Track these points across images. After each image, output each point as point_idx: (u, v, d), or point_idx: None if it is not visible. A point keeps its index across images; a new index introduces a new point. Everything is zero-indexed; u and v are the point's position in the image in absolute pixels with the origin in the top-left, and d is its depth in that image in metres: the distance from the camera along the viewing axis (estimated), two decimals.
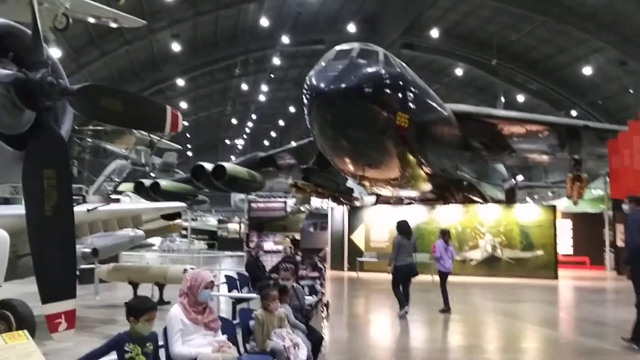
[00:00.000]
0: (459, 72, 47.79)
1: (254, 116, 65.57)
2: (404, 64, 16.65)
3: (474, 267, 20.73)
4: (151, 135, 40.34)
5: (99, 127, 39.84)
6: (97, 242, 8.39)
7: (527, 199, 37.51)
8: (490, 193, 25.75)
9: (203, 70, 51.22)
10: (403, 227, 11.42)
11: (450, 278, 19.59)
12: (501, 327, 10.87)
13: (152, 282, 11.82)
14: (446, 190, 22.38)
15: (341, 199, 28.02)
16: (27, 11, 4.69)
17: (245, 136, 72.84)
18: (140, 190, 26.95)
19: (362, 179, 18.04)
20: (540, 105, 46.95)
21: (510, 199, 26.57)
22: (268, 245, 37.36)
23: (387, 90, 14.96)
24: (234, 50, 49.00)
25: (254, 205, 39.89)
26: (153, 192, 27.05)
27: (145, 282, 11.99)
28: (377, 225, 22.07)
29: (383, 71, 14.95)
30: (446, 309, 11.38)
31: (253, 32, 46.26)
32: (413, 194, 22.41)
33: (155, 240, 42.21)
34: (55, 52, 35.63)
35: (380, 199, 24.74)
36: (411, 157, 17.56)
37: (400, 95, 15.45)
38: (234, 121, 69.99)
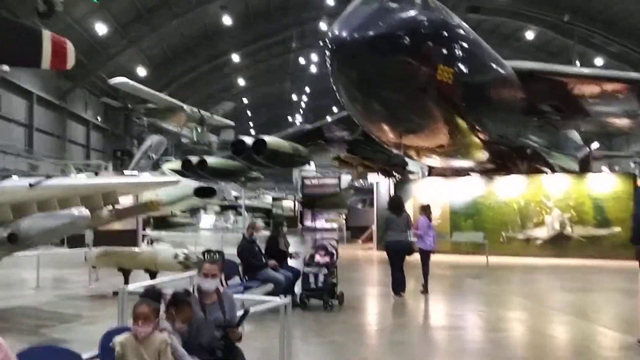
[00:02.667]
0: (529, 35, 44.03)
1: (312, 91, 63.74)
2: (447, 10, 14.10)
3: (538, 247, 18.06)
4: (201, 112, 39.49)
5: (152, 106, 39.45)
6: (23, 225, 6.85)
7: (604, 169, 33.49)
8: (561, 163, 22.62)
9: (257, 44, 49.75)
10: (393, 202, 11.10)
11: (511, 260, 17.67)
12: (565, 334, 8.21)
13: (142, 269, 10.26)
14: (508, 159, 19.64)
15: (394, 172, 25.72)
16: None
17: (301, 111, 71.26)
18: (187, 168, 25.80)
19: (402, 148, 15.67)
20: (620, 68, 42.18)
21: (584, 169, 23.28)
22: (320, 223, 35.67)
23: (424, 39, 12.54)
24: (288, 21, 47.18)
25: (307, 181, 38.18)
26: (200, 170, 25.89)
27: (135, 269, 10.46)
28: (428, 201, 19.62)
29: (419, 16, 12.55)
30: (424, 290, 10.64)
31: (305, 0, 44.24)
32: (468, 164, 19.77)
33: (209, 219, 41.74)
34: (101, 28, 35.08)
35: (433, 171, 22.27)
36: (459, 121, 15.05)
37: (441, 45, 12.99)
38: (295, 97, 68.56)
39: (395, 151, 17.87)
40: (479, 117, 15.85)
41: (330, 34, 12.33)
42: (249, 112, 71.43)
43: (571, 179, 18.97)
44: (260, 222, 13.14)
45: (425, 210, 11.37)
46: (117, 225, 14.48)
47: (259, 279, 8.71)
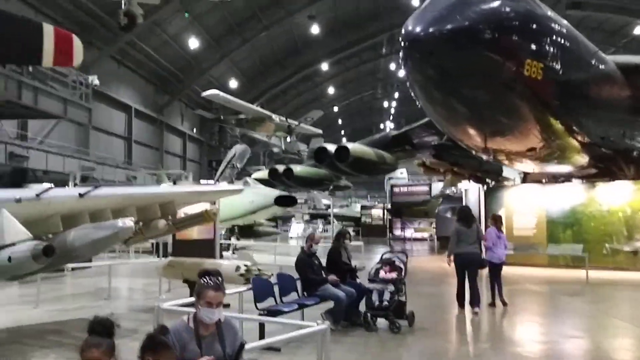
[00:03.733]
0: (638, 31, 40.27)
1: (403, 96, 62.46)
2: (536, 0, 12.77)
3: None
4: (288, 120, 39.64)
5: (241, 117, 40.19)
6: (69, 236, 6.63)
7: None
8: None
9: (347, 52, 49.44)
10: (462, 214, 10.49)
11: (615, 275, 15.76)
12: None
13: None
14: (612, 163, 17.64)
15: (487, 179, 24.19)
16: None
17: (391, 118, 70.05)
18: (274, 177, 25.75)
19: (489, 152, 14.40)
20: None
21: None
22: (408, 232, 34.44)
23: (508, 31, 11.32)
24: (377, 27, 46.48)
25: (396, 189, 37.12)
26: (286, 178, 25.75)
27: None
28: (522, 209, 18.20)
29: (502, 6, 11.37)
30: (493, 302, 10.26)
31: (395, 5, 43.22)
32: (566, 169, 17.97)
33: (298, 228, 41.70)
34: (193, 42, 36.22)
35: (529, 177, 20.56)
36: (551, 121, 13.53)
37: (527, 37, 11.68)
38: (385, 104, 67.60)
39: (484, 156, 16.59)
40: (575, 116, 14.23)
41: (404, 30, 11.44)
42: (339, 121, 71.32)
43: None
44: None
45: (496, 220, 11.08)
46: (195, 234, 14.49)
47: (317, 296, 8.06)
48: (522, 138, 13.85)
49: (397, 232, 36.55)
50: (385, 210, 38.33)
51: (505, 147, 14.60)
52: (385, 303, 8.06)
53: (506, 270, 16.51)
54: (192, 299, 9.15)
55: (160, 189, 9.93)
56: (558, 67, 12.39)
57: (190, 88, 41.92)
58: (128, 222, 6.62)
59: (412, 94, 12.63)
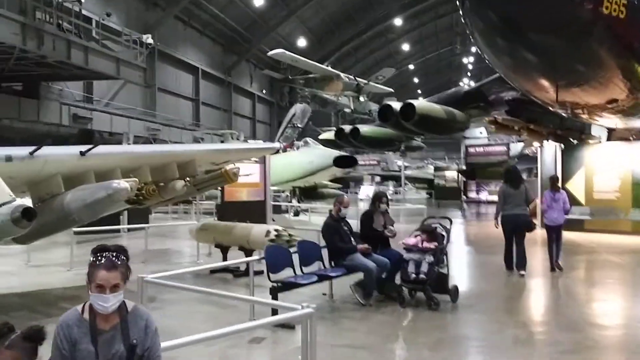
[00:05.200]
0: None
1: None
2: None
3: None
4: (357, 79, 38.31)
5: (310, 75, 39.30)
6: (58, 200, 6.05)
7: None
8: None
9: (422, 5, 46.87)
10: (508, 175, 10.32)
11: None
12: None
13: (237, 246, 9.27)
14: None
15: (570, 139, 22.09)
16: None
17: (470, 75, 66.48)
18: (340, 137, 24.89)
19: (563, 106, 12.74)
20: None
21: None
22: (483, 195, 32.65)
23: None
24: None
25: (471, 150, 35.15)
26: (353, 138, 24.81)
27: (231, 245, 9.52)
28: (604, 170, 16.34)
29: None
30: (552, 267, 9.79)
31: None
32: None
33: (368, 190, 40.72)
34: (258, 1, 35.40)
35: (613, 135, 18.44)
36: (636, 67, 11.69)
37: None
38: (465, 60, 64.28)
39: (561, 111, 14.83)
40: None
41: None
42: (415, 80, 68.73)
43: None
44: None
45: (552, 181, 10.65)
46: (244, 196, 13.92)
47: (345, 266, 7.17)
48: (601, 88, 12.05)
49: (472, 195, 34.82)
50: (459, 172, 36.51)
51: (582, 100, 12.84)
52: (422, 276, 7.04)
53: (583, 237, 15.05)
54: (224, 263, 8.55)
55: (177, 147, 9.27)
56: None
57: (257, 48, 41.33)
58: (123, 182, 5.98)
59: (473, 42, 11.24)
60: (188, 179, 7.91)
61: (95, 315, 2.59)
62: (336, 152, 22.23)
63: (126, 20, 26.03)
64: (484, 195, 32.86)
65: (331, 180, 28.01)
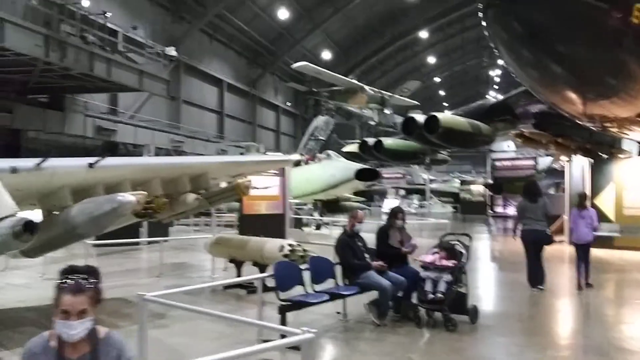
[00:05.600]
0: None
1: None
2: None
3: None
4: (382, 92, 38.08)
5: (334, 87, 39.22)
6: (65, 213, 5.94)
7: None
8: None
9: (448, 17, 46.51)
10: (527, 189, 10.12)
11: None
12: None
13: (251, 261, 9.07)
14: None
15: (600, 153, 21.43)
16: None
17: (498, 88, 65.58)
18: (364, 150, 24.64)
19: (592, 119, 12.28)
20: None
21: None
22: (510, 210, 31.91)
23: None
24: None
25: (498, 163, 34.50)
26: (376, 151, 24.53)
27: (245, 260, 9.32)
28: (635, 185, 15.82)
29: None
30: (579, 286, 9.58)
31: None
32: None
33: (392, 203, 40.27)
34: (283, 14, 35.51)
35: None
36: None
37: None
38: (492, 73, 63.51)
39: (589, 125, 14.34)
40: None
41: None
42: (441, 92, 68.19)
43: None
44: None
45: (581, 199, 10.52)
46: (263, 209, 13.72)
47: (358, 284, 6.90)
48: (631, 101, 11.61)
49: (499, 210, 34.13)
50: (485, 186, 35.85)
51: (611, 113, 12.39)
52: (440, 295, 6.74)
53: (612, 254, 14.48)
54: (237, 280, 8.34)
55: (188, 160, 9.12)
56: None
57: (282, 60, 41.45)
58: (129, 196, 5.85)
59: (496, 52, 10.91)
60: (201, 191, 7.77)
61: (63, 343, 2.39)
62: (358, 165, 21.98)
63: (152, 33, 26.31)
64: (510, 210, 32.13)
65: (355, 194, 27.75)
